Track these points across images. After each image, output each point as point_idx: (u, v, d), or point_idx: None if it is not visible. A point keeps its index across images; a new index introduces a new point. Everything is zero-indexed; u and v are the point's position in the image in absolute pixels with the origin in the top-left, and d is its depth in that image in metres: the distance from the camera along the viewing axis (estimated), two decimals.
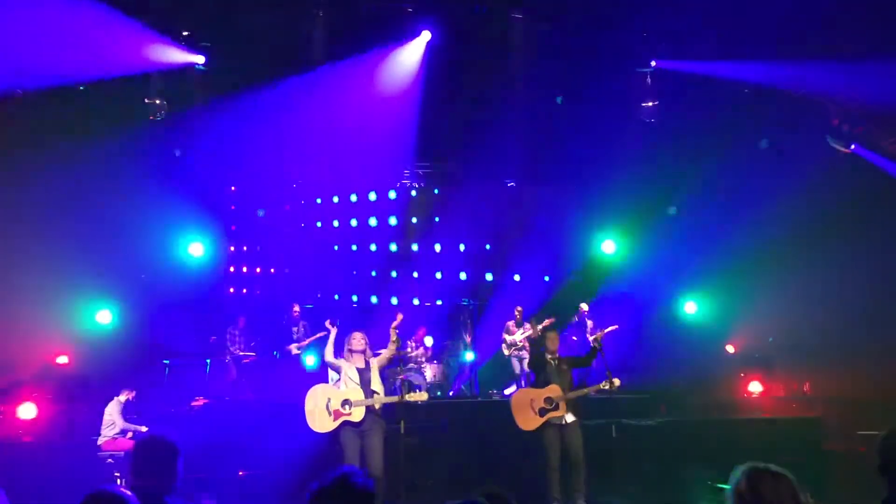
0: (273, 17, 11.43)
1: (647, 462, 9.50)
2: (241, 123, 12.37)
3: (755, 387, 11.86)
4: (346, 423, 7.08)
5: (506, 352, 12.50)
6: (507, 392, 12.39)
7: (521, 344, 12.38)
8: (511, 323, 12.64)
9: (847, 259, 12.19)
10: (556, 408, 7.82)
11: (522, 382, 12.26)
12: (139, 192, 12.49)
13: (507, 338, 12.49)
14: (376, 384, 7.35)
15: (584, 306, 12.52)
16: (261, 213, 14.67)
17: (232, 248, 14.58)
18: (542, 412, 7.82)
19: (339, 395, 7.18)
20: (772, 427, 10.68)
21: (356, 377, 7.25)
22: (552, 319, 12.30)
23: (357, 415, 7.08)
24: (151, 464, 3.55)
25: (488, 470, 9.08)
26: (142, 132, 12.20)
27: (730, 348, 13.64)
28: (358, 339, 7.46)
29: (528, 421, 7.86)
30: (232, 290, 14.31)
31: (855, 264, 12.18)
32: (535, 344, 9.61)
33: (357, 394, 7.17)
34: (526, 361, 12.27)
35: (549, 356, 8.11)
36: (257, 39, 11.61)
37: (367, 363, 7.43)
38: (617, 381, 7.96)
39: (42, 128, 11.26)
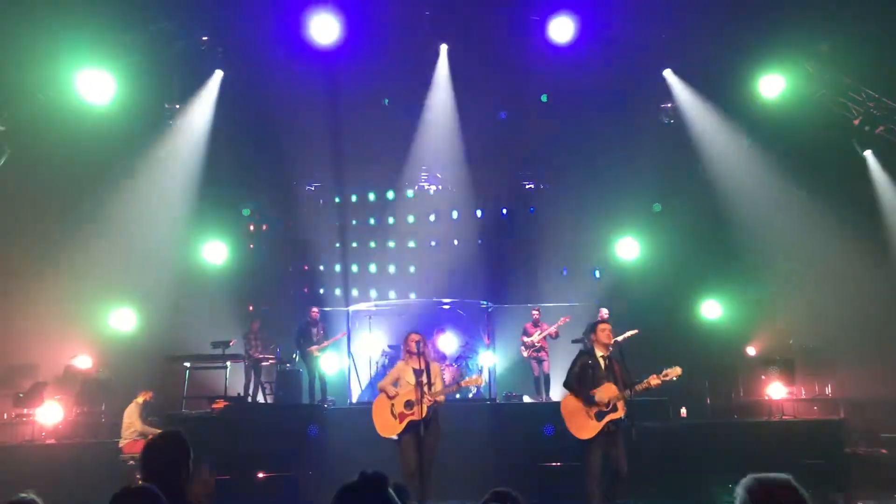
0: None
1: (667, 464, 9.42)
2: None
3: (776, 389, 11.73)
4: (409, 423, 7.17)
5: (524, 354, 12.46)
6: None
7: (539, 345, 12.34)
8: (529, 325, 12.60)
9: (870, 260, 12.06)
10: (614, 409, 6.96)
11: (540, 384, 12.22)
12: (160, 197, 12.64)
13: (525, 339, 12.45)
14: (437, 386, 7.32)
15: (605, 311, 12.42)
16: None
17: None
18: (600, 416, 6.96)
19: (400, 399, 7.30)
20: (793, 429, 10.57)
21: (412, 378, 7.30)
22: (567, 318, 12.26)
23: (419, 413, 7.11)
24: (162, 462, 3.42)
25: (504, 472, 9.01)
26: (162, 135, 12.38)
27: (751, 350, 13.50)
28: (412, 342, 7.45)
29: (584, 428, 6.98)
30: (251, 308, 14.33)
31: (878, 266, 12.05)
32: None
33: (415, 394, 7.19)
34: (545, 363, 12.25)
35: (601, 354, 7.19)
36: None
37: (427, 364, 7.37)
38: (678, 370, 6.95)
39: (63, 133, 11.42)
